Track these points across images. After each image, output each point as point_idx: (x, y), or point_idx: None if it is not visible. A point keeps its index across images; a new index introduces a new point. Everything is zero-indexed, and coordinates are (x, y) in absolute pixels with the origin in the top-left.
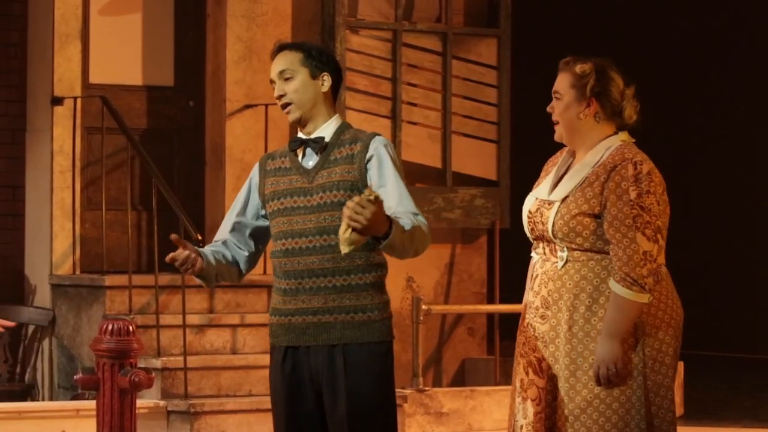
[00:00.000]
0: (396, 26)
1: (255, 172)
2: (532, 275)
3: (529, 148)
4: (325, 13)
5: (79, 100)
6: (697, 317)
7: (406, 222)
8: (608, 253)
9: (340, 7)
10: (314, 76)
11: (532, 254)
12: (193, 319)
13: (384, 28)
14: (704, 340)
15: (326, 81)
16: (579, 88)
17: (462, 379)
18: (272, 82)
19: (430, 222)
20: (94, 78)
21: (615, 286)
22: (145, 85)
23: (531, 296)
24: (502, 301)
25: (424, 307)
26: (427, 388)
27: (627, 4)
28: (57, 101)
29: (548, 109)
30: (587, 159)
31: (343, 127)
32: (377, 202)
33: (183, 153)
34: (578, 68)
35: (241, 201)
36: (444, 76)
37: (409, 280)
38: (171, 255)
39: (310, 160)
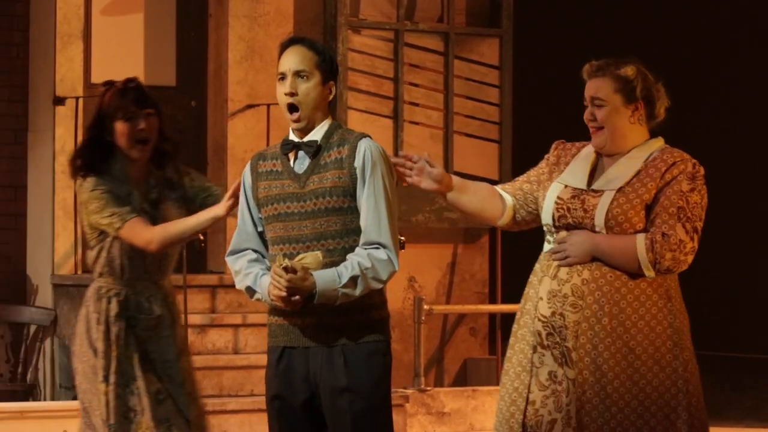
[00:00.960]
0: (398, 26)
1: (247, 174)
2: (543, 265)
3: (530, 147)
4: (327, 13)
5: (81, 100)
6: (699, 317)
7: (349, 266)
8: None
9: (342, 7)
10: (324, 83)
11: (546, 244)
12: (195, 318)
13: (386, 28)
14: (706, 339)
15: (332, 90)
16: (627, 92)
17: (464, 379)
18: (283, 75)
19: (432, 222)
20: (96, 78)
21: (640, 239)
22: (147, 85)
23: (555, 284)
24: (504, 301)
25: (425, 307)
26: (428, 388)
27: (628, 3)
28: (59, 101)
29: (588, 116)
30: (634, 154)
31: (333, 129)
32: (290, 270)
33: (185, 153)
34: (623, 72)
35: (247, 213)
36: (446, 76)
37: (411, 280)
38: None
39: (302, 164)
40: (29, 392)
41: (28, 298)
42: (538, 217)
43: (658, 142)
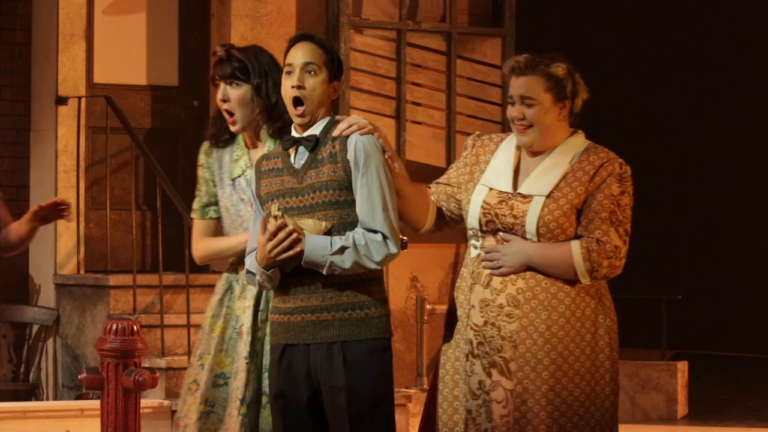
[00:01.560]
0: (400, 26)
1: (252, 176)
2: (472, 271)
3: None
4: (329, 13)
5: (83, 100)
6: (701, 317)
7: (344, 237)
8: None
9: (344, 6)
10: (330, 81)
11: (472, 249)
12: (197, 318)
13: (388, 28)
14: (708, 339)
15: (337, 90)
16: (557, 90)
17: None
18: (291, 68)
19: None
20: (99, 78)
21: (576, 249)
22: (149, 85)
23: (488, 294)
24: None
25: (428, 306)
26: None
27: (630, 3)
28: (61, 101)
29: (516, 114)
30: (557, 155)
31: (330, 124)
32: (282, 217)
33: (187, 153)
34: (554, 71)
35: (259, 212)
36: (448, 76)
37: (414, 280)
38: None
39: (301, 160)
40: (31, 392)
41: (30, 298)
42: (460, 220)
43: (580, 139)
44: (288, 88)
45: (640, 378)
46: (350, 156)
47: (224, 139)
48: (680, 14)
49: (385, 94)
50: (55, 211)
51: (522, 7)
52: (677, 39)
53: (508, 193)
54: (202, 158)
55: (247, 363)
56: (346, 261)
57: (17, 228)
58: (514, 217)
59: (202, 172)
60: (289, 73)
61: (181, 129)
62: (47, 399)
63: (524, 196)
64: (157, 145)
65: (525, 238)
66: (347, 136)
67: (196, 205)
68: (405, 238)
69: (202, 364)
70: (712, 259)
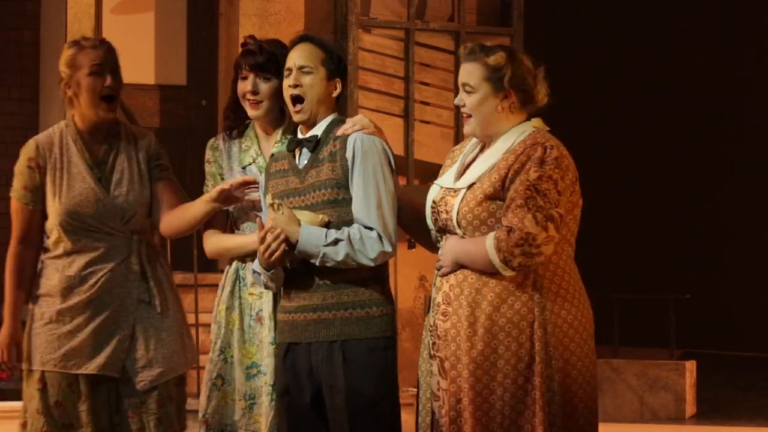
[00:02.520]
0: (409, 25)
1: (261, 178)
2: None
3: None
4: (337, 12)
5: None
6: (710, 316)
7: (339, 231)
8: None
9: (352, 5)
10: (330, 79)
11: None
12: (206, 318)
13: (397, 27)
14: (717, 339)
15: (338, 87)
16: (495, 80)
17: None
18: (288, 70)
19: None
20: None
21: (489, 241)
22: (157, 84)
23: (434, 293)
24: None
25: None
26: None
27: (639, 2)
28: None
29: (457, 102)
30: (497, 145)
31: (333, 124)
32: (277, 209)
33: (196, 152)
34: (492, 60)
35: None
36: (456, 75)
37: (422, 279)
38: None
39: (304, 160)
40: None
41: None
42: None
43: (524, 127)
44: (286, 89)
45: (649, 377)
46: (348, 154)
47: (239, 131)
48: (692, 12)
49: (393, 93)
50: (241, 192)
51: (530, 6)
52: (689, 36)
53: (448, 188)
54: (208, 153)
55: (274, 348)
56: (339, 253)
57: (186, 209)
58: (447, 212)
59: (209, 168)
60: (288, 74)
61: (190, 128)
62: None
63: (455, 191)
64: (166, 144)
65: (455, 234)
66: (348, 135)
67: None
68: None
69: (225, 358)
70: (720, 258)
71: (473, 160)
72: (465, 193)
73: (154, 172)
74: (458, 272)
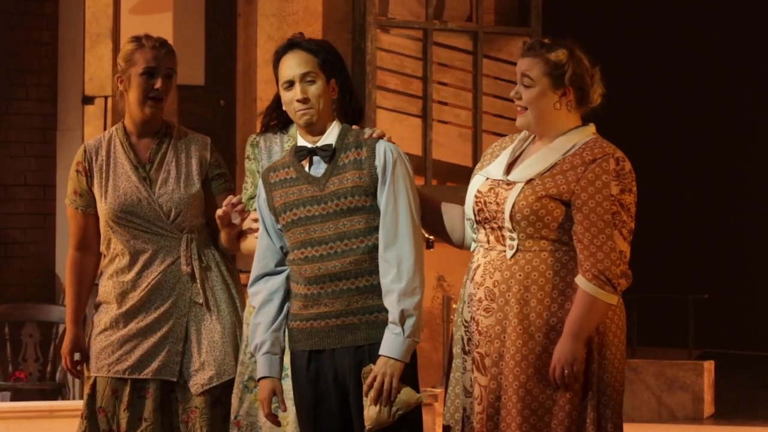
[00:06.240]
0: (427, 25)
1: (260, 189)
2: (471, 266)
3: None
4: (356, 12)
5: (110, 99)
6: (728, 316)
7: (391, 314)
8: (566, 246)
9: (371, 6)
10: (327, 82)
11: (473, 244)
12: None
13: (415, 27)
14: (735, 339)
15: (335, 88)
16: (556, 77)
17: None
18: (290, 82)
19: None
20: None
21: (585, 284)
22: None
23: (472, 288)
24: None
25: (454, 306)
26: None
27: (658, 1)
28: (88, 100)
29: (513, 95)
30: (556, 144)
31: (345, 131)
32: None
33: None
34: (554, 56)
35: (263, 230)
36: (475, 75)
37: (440, 280)
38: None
39: (319, 168)
40: (58, 391)
41: (57, 297)
42: None
43: (585, 132)
44: (293, 103)
45: (667, 377)
46: (378, 162)
47: (281, 128)
48: (712, 11)
49: (411, 93)
50: (234, 213)
51: (548, 6)
52: (709, 35)
53: (499, 180)
54: (248, 150)
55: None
56: (413, 323)
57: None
58: (497, 204)
59: (248, 165)
60: (289, 86)
61: (208, 128)
62: (73, 398)
63: (509, 183)
64: None
65: (500, 231)
66: (374, 142)
67: (243, 198)
68: (431, 237)
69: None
70: (739, 258)
71: (520, 155)
72: (523, 187)
73: (215, 184)
74: (504, 268)
